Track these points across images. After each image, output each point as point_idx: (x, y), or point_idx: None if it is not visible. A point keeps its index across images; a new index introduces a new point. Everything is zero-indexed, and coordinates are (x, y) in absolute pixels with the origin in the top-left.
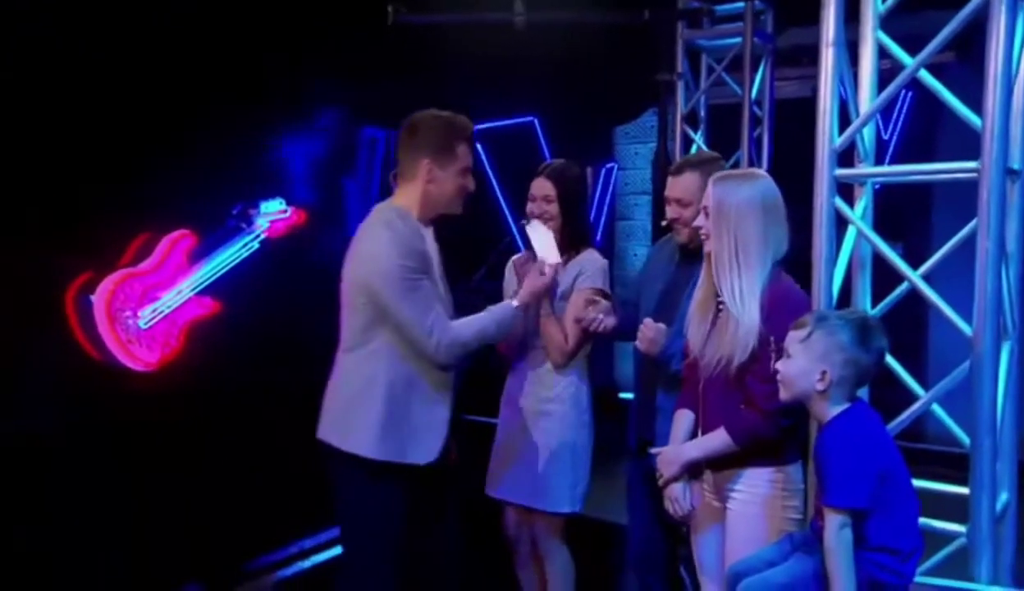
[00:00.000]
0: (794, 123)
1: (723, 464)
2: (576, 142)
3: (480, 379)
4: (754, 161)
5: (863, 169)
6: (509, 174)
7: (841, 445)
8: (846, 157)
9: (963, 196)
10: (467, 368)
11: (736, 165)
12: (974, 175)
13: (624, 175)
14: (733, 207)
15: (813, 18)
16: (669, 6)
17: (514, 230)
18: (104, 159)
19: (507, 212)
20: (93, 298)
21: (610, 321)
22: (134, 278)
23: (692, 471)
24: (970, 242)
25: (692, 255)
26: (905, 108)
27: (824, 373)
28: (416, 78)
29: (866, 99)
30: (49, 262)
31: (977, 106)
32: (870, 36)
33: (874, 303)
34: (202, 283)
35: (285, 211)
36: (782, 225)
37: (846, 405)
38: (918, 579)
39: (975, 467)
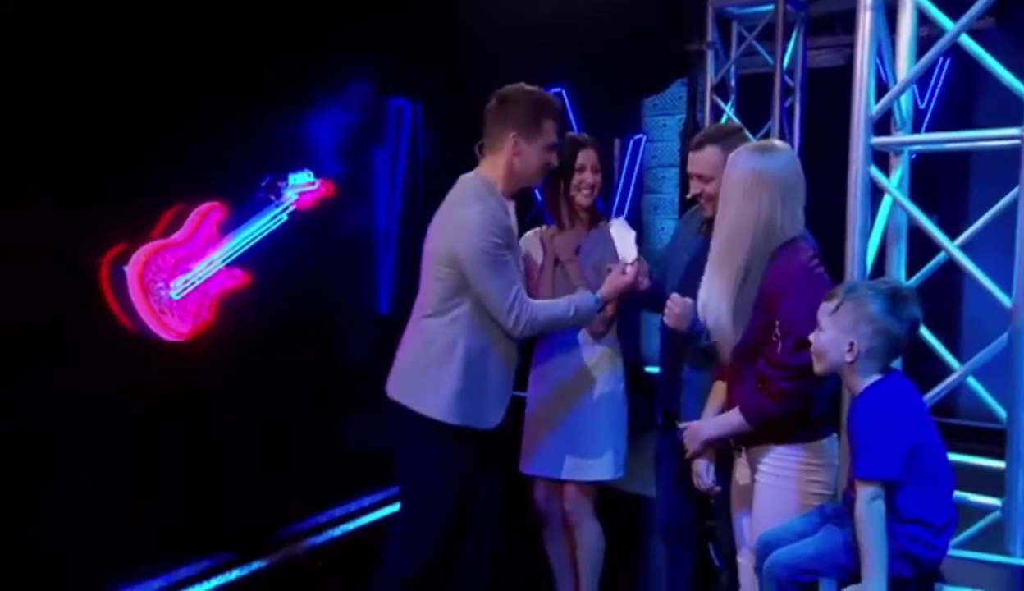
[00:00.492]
0: (827, 93)
1: (754, 440)
2: (604, 114)
3: None
4: (785, 132)
5: (900, 137)
6: None
7: (872, 416)
8: (881, 127)
9: (1001, 166)
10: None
11: (767, 137)
12: (1016, 142)
13: (652, 147)
14: (733, 180)
15: None
16: None
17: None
18: (136, 133)
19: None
20: (126, 269)
21: (646, 282)
22: (166, 249)
23: (724, 445)
24: (1007, 213)
25: None
26: (942, 77)
27: (852, 344)
28: (444, 49)
29: (904, 66)
30: (84, 234)
31: (1018, 72)
32: (909, 0)
33: (909, 274)
34: (232, 255)
35: (313, 183)
36: (792, 201)
37: (878, 376)
38: (952, 553)
39: (1012, 440)
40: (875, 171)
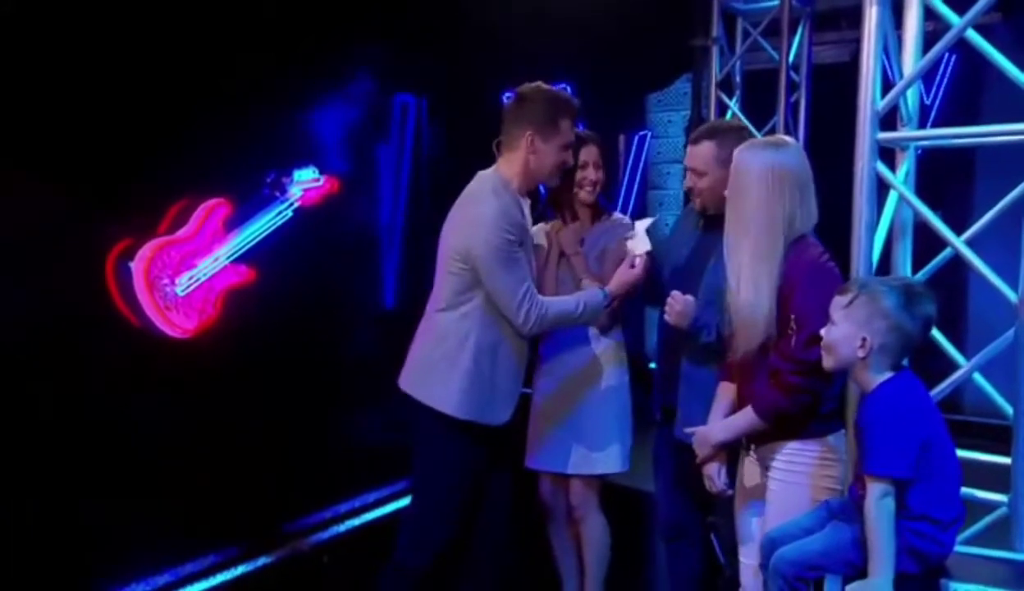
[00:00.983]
0: (832, 89)
1: (766, 437)
2: (609, 109)
3: None
4: (790, 128)
5: (906, 132)
6: None
7: (884, 413)
8: (887, 123)
9: (1007, 161)
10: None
11: (772, 132)
12: (1023, 137)
13: (657, 143)
14: (747, 174)
15: None
16: None
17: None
18: (141, 130)
19: None
20: (132, 265)
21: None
22: (171, 246)
23: (734, 445)
24: (1013, 208)
25: (715, 223)
26: (948, 72)
27: (864, 340)
28: (449, 45)
29: (910, 61)
30: (89, 230)
31: None
32: None
33: (914, 270)
34: (238, 251)
35: (318, 179)
36: (804, 198)
37: (890, 373)
38: (958, 548)
39: (1018, 436)
40: (881, 167)
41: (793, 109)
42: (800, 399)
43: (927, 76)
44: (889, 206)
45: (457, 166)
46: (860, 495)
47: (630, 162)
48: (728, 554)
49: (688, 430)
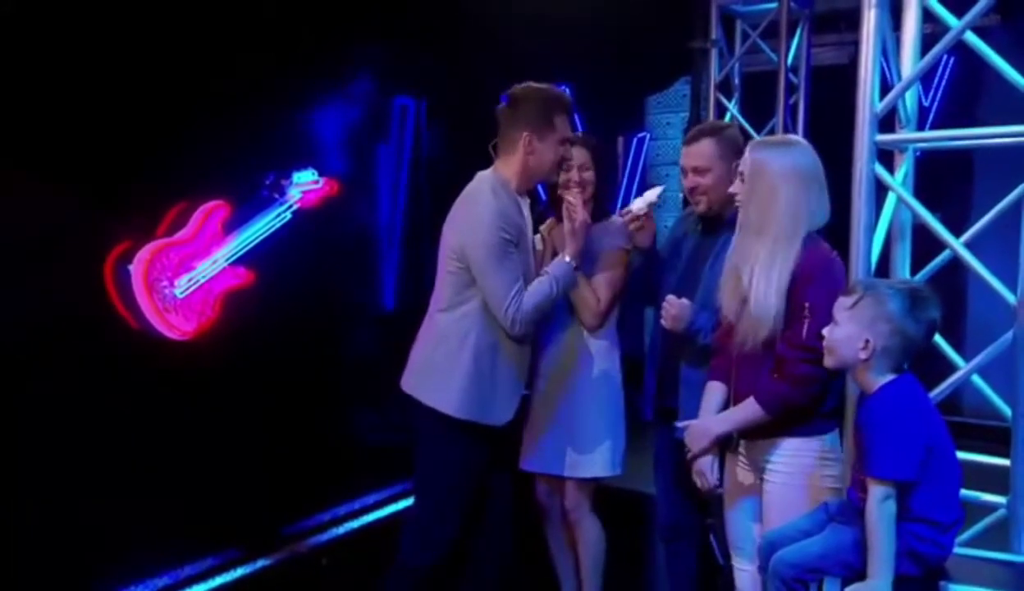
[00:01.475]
0: (831, 91)
1: (759, 434)
2: (608, 111)
3: None
4: (789, 130)
5: (905, 134)
6: None
7: (887, 416)
8: (886, 125)
9: (1005, 163)
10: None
11: (771, 134)
12: (1021, 139)
13: (655, 145)
14: (769, 174)
15: None
16: None
17: (544, 198)
18: (140, 132)
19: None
20: (131, 267)
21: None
22: (170, 248)
23: (724, 444)
24: (1012, 210)
25: (713, 226)
26: (946, 74)
27: (867, 341)
28: (448, 47)
29: (908, 63)
30: (88, 232)
31: (1022, 69)
32: None
33: (913, 272)
34: (236, 253)
35: (317, 181)
36: (821, 193)
37: (892, 375)
38: (957, 550)
39: (1017, 438)
40: (879, 168)
41: (792, 111)
42: (808, 390)
43: (926, 78)
44: (888, 208)
45: (456, 167)
46: (859, 497)
47: (629, 164)
48: (727, 555)
49: (681, 424)
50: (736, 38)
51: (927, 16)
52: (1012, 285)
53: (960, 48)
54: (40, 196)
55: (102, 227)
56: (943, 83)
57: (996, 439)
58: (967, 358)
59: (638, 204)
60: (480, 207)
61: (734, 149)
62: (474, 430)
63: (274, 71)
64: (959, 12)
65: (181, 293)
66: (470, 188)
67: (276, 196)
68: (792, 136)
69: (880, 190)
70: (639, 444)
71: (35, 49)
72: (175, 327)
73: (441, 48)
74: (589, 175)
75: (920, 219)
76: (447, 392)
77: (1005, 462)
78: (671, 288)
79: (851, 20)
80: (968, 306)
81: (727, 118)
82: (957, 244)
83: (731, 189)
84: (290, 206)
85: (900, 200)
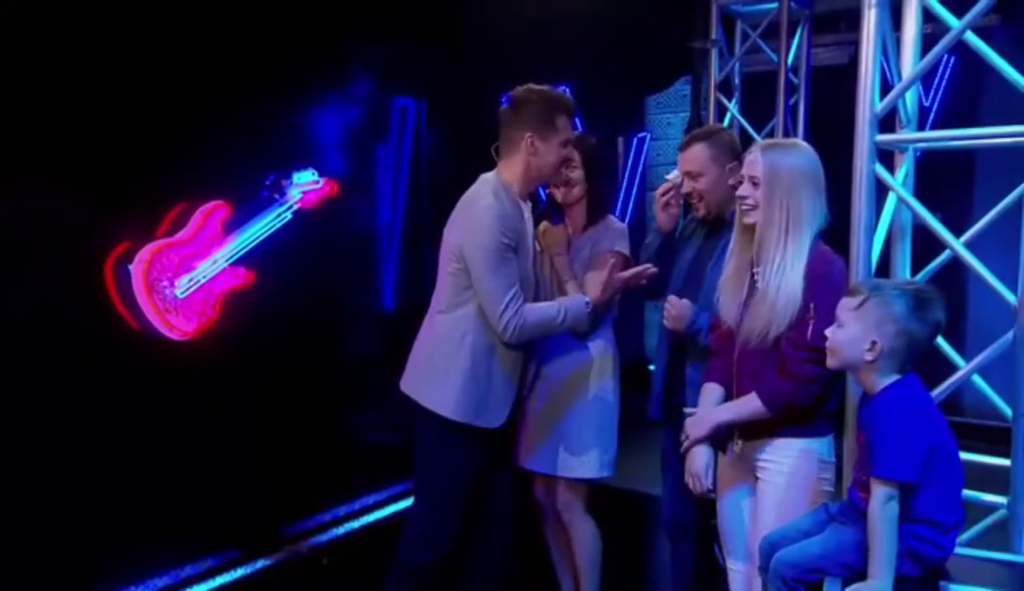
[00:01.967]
0: (831, 91)
1: (755, 433)
2: (608, 111)
3: None
4: (789, 130)
5: (905, 134)
6: None
7: (894, 416)
8: (885, 125)
9: (1006, 163)
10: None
11: (771, 135)
12: (1022, 139)
13: (656, 145)
14: (786, 175)
15: None
16: None
17: (544, 199)
18: (140, 132)
19: None
20: (131, 267)
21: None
22: (170, 248)
23: (717, 442)
24: (1012, 211)
25: (716, 228)
26: (947, 74)
27: (874, 343)
28: (448, 47)
29: (908, 63)
30: (88, 232)
31: (1023, 69)
32: None
33: (913, 272)
34: (237, 253)
35: (317, 182)
36: (824, 195)
37: (896, 376)
38: (958, 551)
39: (1017, 438)
40: (880, 169)
41: (792, 111)
42: (812, 389)
43: (926, 78)
44: (888, 208)
45: (456, 169)
46: (860, 497)
47: (629, 164)
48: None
49: (687, 410)
50: (736, 38)
51: (927, 16)
52: (1012, 285)
53: (960, 48)
54: (40, 196)
55: (102, 227)
56: (943, 83)
57: (996, 439)
58: (967, 358)
59: (675, 173)
60: (481, 209)
61: (727, 152)
62: (472, 430)
63: (274, 71)
64: (959, 12)
65: (181, 293)
66: (472, 190)
67: (276, 196)
68: (794, 139)
69: (880, 190)
70: (642, 445)
71: (35, 49)
72: (175, 327)
73: (441, 48)
74: (577, 174)
75: (920, 219)
76: (444, 393)
77: (1005, 462)
78: (675, 288)
79: (851, 20)
80: (968, 306)
81: (727, 118)
82: (957, 244)
83: (739, 192)
84: (290, 206)
85: (900, 200)
